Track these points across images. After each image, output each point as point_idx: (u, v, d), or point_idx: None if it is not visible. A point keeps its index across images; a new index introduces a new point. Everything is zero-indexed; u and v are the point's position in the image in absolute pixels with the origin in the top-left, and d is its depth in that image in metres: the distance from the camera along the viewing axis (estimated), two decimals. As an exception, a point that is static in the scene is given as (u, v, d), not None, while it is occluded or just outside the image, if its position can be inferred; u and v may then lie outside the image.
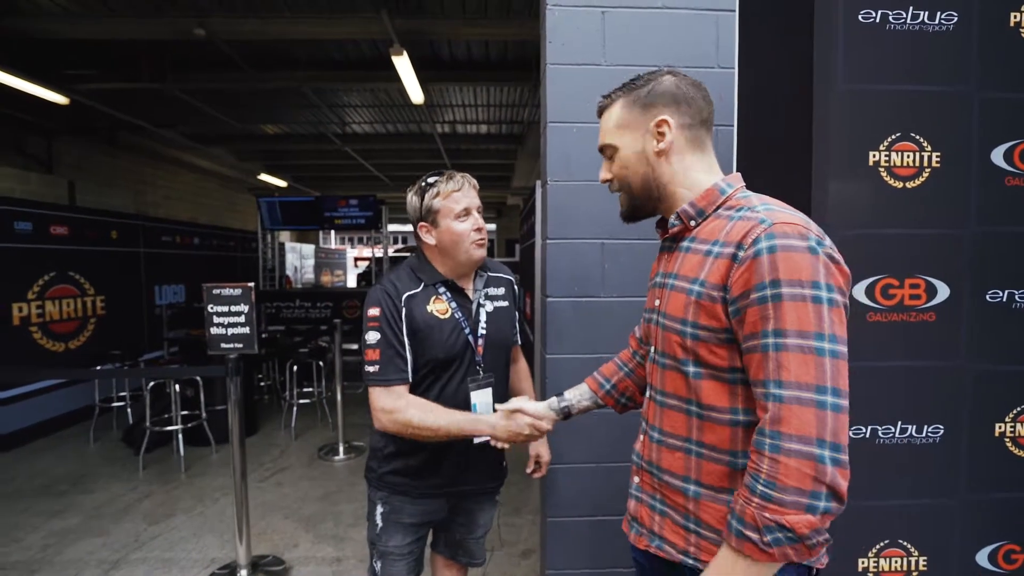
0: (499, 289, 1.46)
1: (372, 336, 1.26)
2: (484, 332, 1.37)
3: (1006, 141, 1.26)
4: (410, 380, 1.26)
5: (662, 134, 0.88)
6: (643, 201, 0.94)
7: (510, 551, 2.70)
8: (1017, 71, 1.25)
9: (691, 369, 0.84)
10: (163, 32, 4.29)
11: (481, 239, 1.33)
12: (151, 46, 4.79)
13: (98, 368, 4.00)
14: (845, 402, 0.69)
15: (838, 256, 0.75)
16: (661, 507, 0.92)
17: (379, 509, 1.38)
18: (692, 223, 0.88)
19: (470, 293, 1.39)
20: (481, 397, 1.36)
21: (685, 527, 0.87)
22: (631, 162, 0.91)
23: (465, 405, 1.33)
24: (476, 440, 1.34)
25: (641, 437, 0.99)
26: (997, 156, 1.27)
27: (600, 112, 0.97)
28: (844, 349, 0.71)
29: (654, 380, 0.94)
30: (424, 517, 1.39)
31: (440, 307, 1.33)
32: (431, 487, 1.36)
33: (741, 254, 0.76)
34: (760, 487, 0.69)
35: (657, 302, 0.94)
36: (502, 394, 1.42)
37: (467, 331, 1.34)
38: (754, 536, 0.69)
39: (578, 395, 1.22)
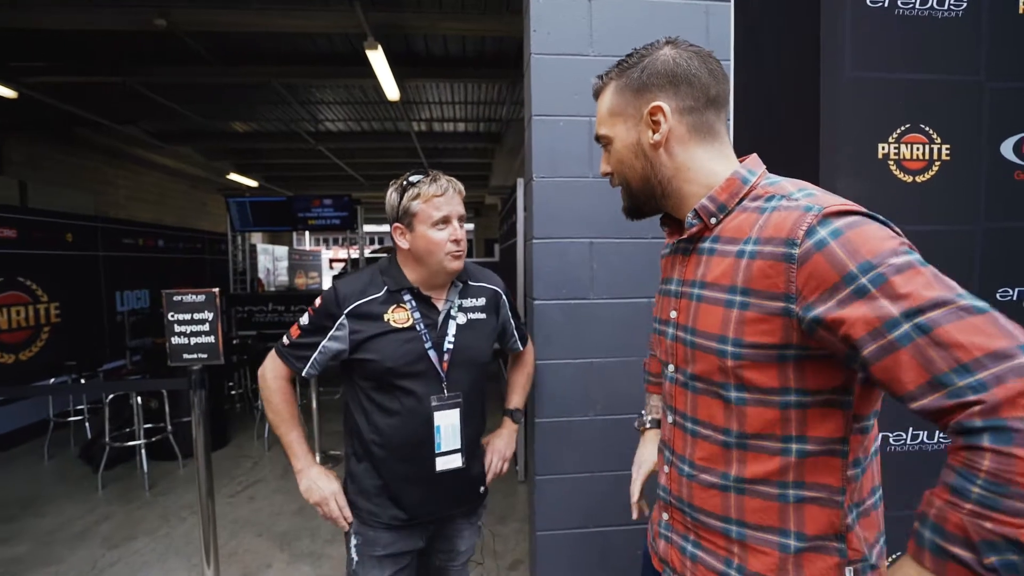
0: (478, 300, 1.34)
1: (304, 319, 1.26)
2: (451, 347, 1.25)
3: (1015, 133, 1.22)
4: (302, 373, 1.24)
5: (657, 123, 0.75)
6: (645, 199, 0.81)
7: (497, 563, 2.60)
8: (1026, 60, 1.21)
9: (733, 394, 0.71)
10: (120, 22, 4.05)
11: (459, 251, 1.22)
12: (109, 37, 4.52)
13: (51, 382, 3.74)
14: None
15: None
16: (693, 550, 0.80)
17: (353, 541, 1.27)
18: (712, 220, 0.75)
19: (439, 303, 1.27)
20: (445, 419, 1.23)
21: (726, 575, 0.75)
22: (627, 157, 0.79)
23: (428, 426, 1.22)
24: (440, 468, 1.23)
25: (666, 469, 0.86)
26: (1007, 149, 1.22)
27: (596, 96, 0.84)
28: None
29: (678, 404, 0.82)
30: (400, 547, 1.27)
31: (400, 316, 1.23)
32: (394, 518, 1.25)
33: (797, 251, 0.62)
34: (977, 489, 0.50)
35: (674, 313, 0.81)
36: (473, 415, 1.30)
37: (427, 344, 1.22)
38: (965, 555, 0.50)
39: (657, 407, 1.11)
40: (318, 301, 1.25)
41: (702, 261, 0.76)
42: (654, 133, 0.76)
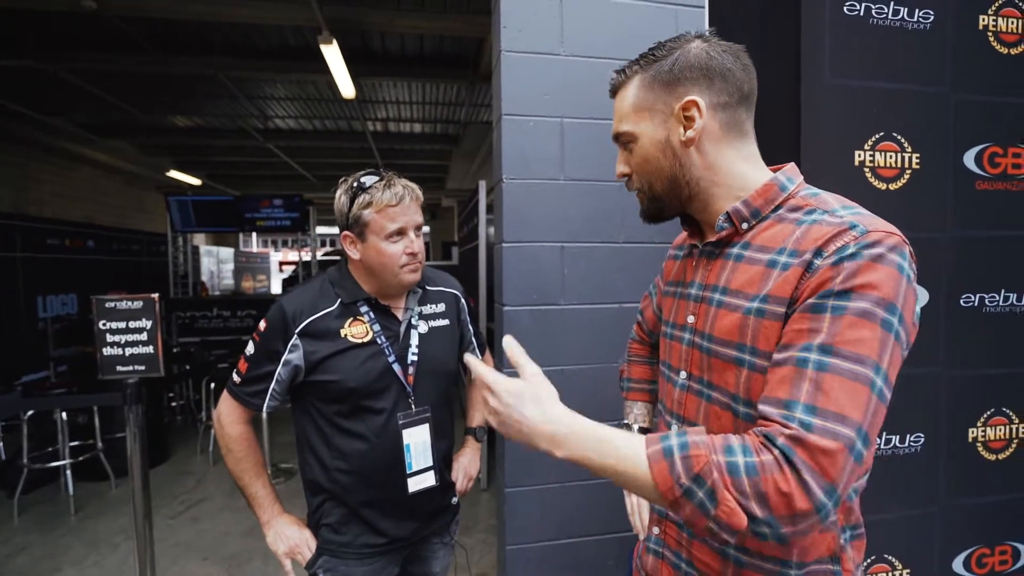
0: (438, 306, 1.27)
1: (250, 347, 1.15)
2: (415, 358, 1.17)
3: (977, 144, 1.27)
4: (263, 410, 1.15)
5: (691, 119, 0.70)
6: (669, 201, 0.76)
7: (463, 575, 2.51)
8: (985, 73, 1.27)
9: (741, 409, 0.68)
10: (44, 2, 3.70)
11: (414, 265, 1.14)
12: (31, 18, 4.13)
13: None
14: (869, 454, 0.58)
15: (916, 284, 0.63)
16: (688, 569, 0.77)
17: None
18: (744, 225, 0.71)
19: (399, 313, 1.19)
20: (415, 436, 1.16)
21: None
22: (653, 155, 0.74)
23: (397, 446, 1.14)
24: (412, 489, 1.16)
25: None
26: (969, 159, 1.27)
27: (613, 92, 0.79)
28: (890, 395, 0.59)
29: (688, 413, 0.78)
30: None
31: (358, 330, 1.13)
32: (366, 545, 1.16)
33: (818, 261, 0.60)
34: (735, 459, 0.56)
35: (692, 319, 0.77)
36: (443, 428, 1.23)
37: (391, 357, 1.14)
38: (680, 468, 0.57)
39: (643, 415, 1.07)
40: (263, 324, 1.13)
41: (728, 266, 0.73)
42: (687, 130, 0.71)
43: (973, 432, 1.39)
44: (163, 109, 6.41)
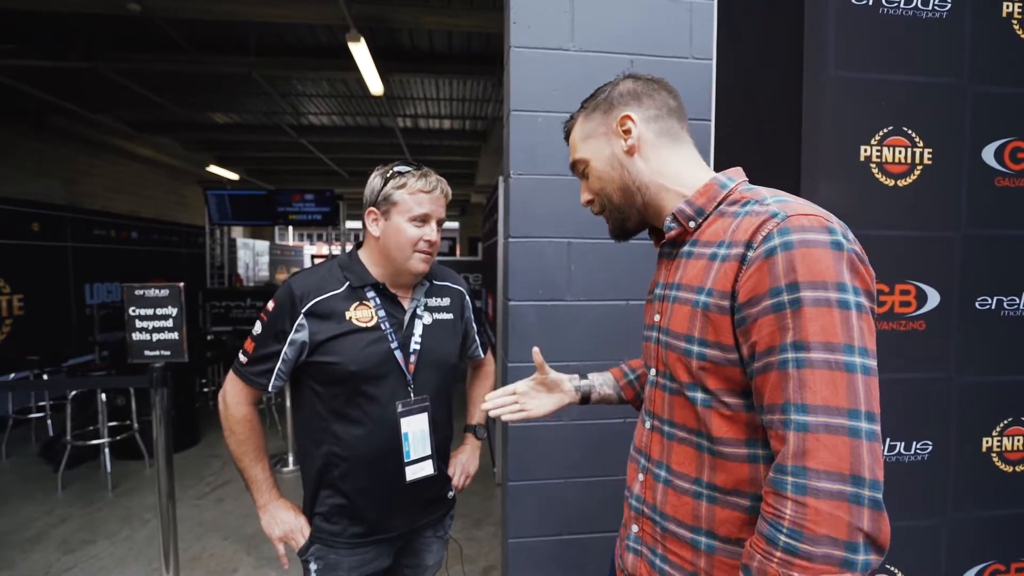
0: (443, 300, 1.29)
1: (257, 327, 1.15)
2: (418, 347, 1.18)
3: (997, 138, 1.20)
4: (268, 390, 1.15)
5: (627, 131, 0.81)
6: (627, 212, 0.84)
7: (470, 567, 2.55)
8: (1008, 64, 1.19)
9: (699, 396, 0.71)
10: (92, 5, 3.90)
11: (429, 252, 1.16)
12: (81, 21, 4.37)
13: (11, 377, 3.59)
14: (879, 428, 0.59)
15: (863, 254, 0.64)
16: (662, 564, 0.78)
17: (313, 566, 1.18)
18: (691, 224, 0.77)
19: (405, 302, 1.21)
20: (413, 425, 1.16)
21: None
22: (604, 171, 0.84)
23: (395, 433, 1.15)
24: (411, 477, 1.17)
25: (640, 476, 0.84)
26: (988, 154, 1.20)
27: (567, 135, 0.91)
28: (875, 364, 0.60)
29: (656, 408, 0.81)
30: (366, 569, 1.19)
31: (363, 314, 1.14)
32: (355, 535, 1.17)
33: (751, 254, 0.64)
34: (783, 538, 0.57)
35: (657, 317, 0.82)
36: (441, 419, 1.24)
37: (393, 344, 1.15)
38: None
39: (601, 380, 1.09)
40: (271, 304, 1.14)
41: (681, 264, 0.78)
42: (626, 140, 0.81)
43: (988, 442, 1.32)
44: (202, 106, 6.66)
